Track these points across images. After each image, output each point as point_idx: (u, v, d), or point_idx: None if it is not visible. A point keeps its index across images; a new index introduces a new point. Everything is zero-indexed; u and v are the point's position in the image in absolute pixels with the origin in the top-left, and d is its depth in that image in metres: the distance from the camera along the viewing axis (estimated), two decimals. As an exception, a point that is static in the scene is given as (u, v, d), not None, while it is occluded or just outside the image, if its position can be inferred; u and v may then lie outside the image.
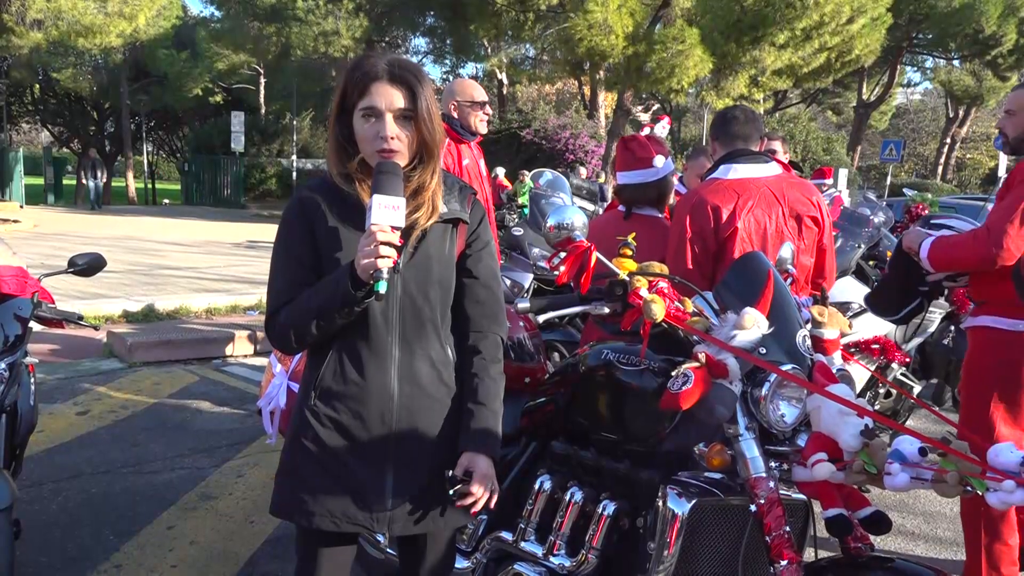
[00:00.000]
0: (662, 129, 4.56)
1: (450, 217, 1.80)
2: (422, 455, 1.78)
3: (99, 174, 25.31)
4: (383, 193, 1.59)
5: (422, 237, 1.75)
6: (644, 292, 1.95)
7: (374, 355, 1.75)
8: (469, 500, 1.72)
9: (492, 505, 1.79)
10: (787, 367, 1.81)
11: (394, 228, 1.59)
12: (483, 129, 3.96)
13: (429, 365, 1.80)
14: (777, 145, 4.61)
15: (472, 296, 1.87)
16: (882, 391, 4.49)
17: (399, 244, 1.60)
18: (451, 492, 1.72)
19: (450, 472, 1.74)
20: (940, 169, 35.64)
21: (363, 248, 1.57)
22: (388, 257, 1.56)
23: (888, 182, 21.63)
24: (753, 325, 1.82)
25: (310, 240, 1.76)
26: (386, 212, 1.58)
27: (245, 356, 7.05)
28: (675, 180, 3.36)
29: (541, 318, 2.15)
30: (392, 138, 1.68)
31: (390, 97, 1.68)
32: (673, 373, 1.82)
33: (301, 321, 1.71)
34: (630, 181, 3.24)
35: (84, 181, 24.97)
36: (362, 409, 1.75)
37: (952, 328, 4.50)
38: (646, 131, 5.32)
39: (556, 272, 2.09)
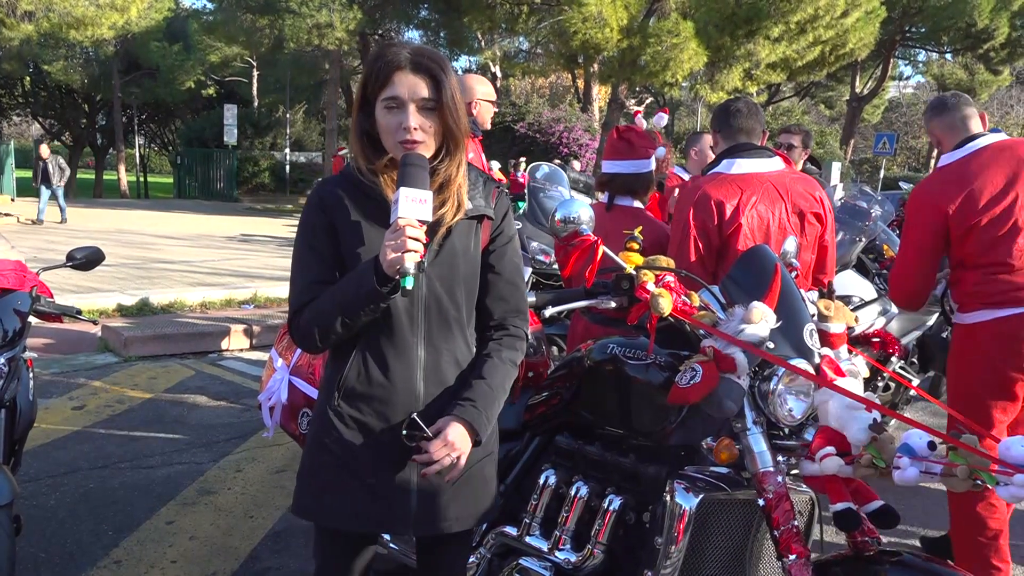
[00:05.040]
0: (659, 120, 4.55)
1: (476, 214, 1.76)
2: None
3: (58, 178, 16.77)
4: (410, 186, 1.55)
5: (447, 234, 1.71)
6: (651, 286, 1.94)
7: (399, 355, 1.71)
8: (423, 457, 1.64)
9: (449, 477, 1.69)
10: (795, 361, 1.81)
11: (421, 222, 1.55)
12: (488, 125, 3.95)
13: (455, 366, 1.77)
14: (796, 140, 4.64)
15: (496, 293, 1.83)
16: (880, 384, 4.50)
17: (426, 240, 1.56)
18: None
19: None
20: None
21: (389, 242, 1.53)
22: (415, 252, 1.52)
23: (881, 175, 21.68)
24: (761, 319, 1.81)
25: (332, 236, 1.71)
26: (413, 205, 1.53)
27: (241, 350, 7.02)
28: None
29: (547, 312, 2.14)
30: (415, 129, 1.63)
31: (413, 86, 1.63)
32: (681, 368, 1.81)
33: (325, 319, 1.66)
34: (623, 171, 3.22)
35: (35, 184, 16.90)
36: (387, 410, 1.71)
37: (950, 321, 4.51)
38: (641, 122, 5.29)
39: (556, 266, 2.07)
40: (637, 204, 3.24)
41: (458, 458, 1.66)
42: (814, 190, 2.89)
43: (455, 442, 1.65)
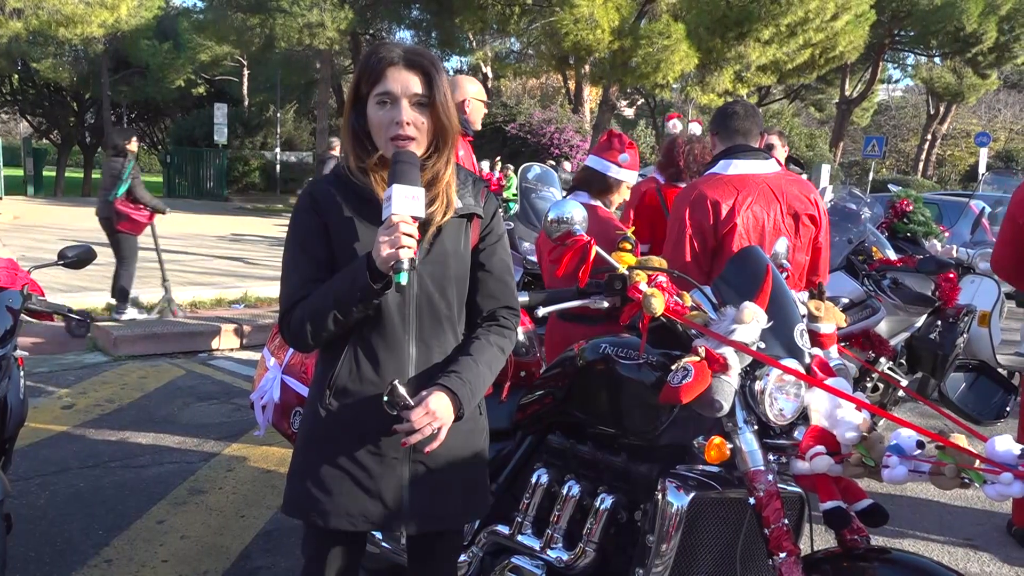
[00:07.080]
0: (695, 127, 4.64)
1: (465, 212, 1.77)
2: (439, 454, 1.73)
3: None
4: (402, 183, 1.56)
5: (438, 233, 1.72)
6: (643, 286, 1.96)
7: (391, 353, 1.72)
8: (404, 427, 1.62)
9: (428, 449, 1.66)
10: (786, 361, 1.83)
11: (414, 218, 1.56)
12: (479, 125, 3.98)
13: (446, 363, 1.77)
14: (775, 140, 4.64)
15: (485, 290, 1.85)
16: (869, 385, 4.53)
17: (418, 237, 1.57)
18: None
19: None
20: (921, 165, 35.89)
21: (383, 238, 1.54)
22: (410, 247, 1.53)
23: (871, 178, 21.79)
24: (752, 319, 1.83)
25: (324, 235, 1.72)
26: (406, 202, 1.55)
27: (231, 350, 7.00)
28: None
29: (540, 312, 2.15)
30: (408, 123, 1.65)
31: (406, 82, 1.65)
32: (672, 367, 1.82)
33: (317, 317, 1.67)
34: (589, 164, 3.39)
35: None
36: (379, 408, 1.70)
37: (939, 322, 4.55)
38: (675, 124, 5.35)
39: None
40: (595, 202, 3.31)
41: (439, 429, 1.65)
42: (809, 192, 2.93)
43: (436, 411, 1.63)
